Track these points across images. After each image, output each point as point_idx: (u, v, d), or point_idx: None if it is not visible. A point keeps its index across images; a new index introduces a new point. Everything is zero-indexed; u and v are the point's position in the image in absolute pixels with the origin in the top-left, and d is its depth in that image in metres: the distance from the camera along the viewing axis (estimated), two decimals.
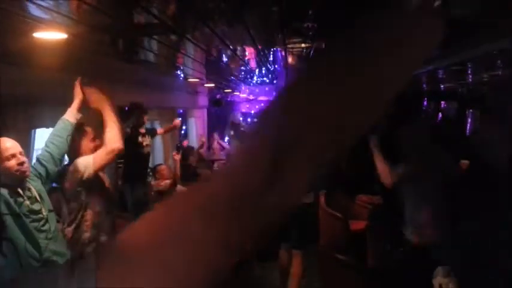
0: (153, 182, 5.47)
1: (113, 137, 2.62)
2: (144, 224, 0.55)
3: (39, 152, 2.67)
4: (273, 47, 5.22)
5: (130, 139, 4.33)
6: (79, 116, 2.64)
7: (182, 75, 7.01)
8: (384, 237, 3.70)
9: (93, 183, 2.71)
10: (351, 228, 4.63)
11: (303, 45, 4.79)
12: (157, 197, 5.17)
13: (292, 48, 5.08)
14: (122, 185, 4.95)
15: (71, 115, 2.61)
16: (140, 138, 4.97)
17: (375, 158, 3.62)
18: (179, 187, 5.28)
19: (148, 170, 5.91)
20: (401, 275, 2.94)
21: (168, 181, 5.21)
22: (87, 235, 2.65)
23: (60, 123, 2.60)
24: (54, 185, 2.68)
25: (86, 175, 2.59)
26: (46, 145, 2.58)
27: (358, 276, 3.11)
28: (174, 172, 5.12)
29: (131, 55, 3.91)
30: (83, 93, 2.64)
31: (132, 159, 4.90)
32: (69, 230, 2.63)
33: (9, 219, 2.21)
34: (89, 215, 2.67)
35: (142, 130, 5.03)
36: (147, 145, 5.05)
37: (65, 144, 2.57)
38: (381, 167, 3.57)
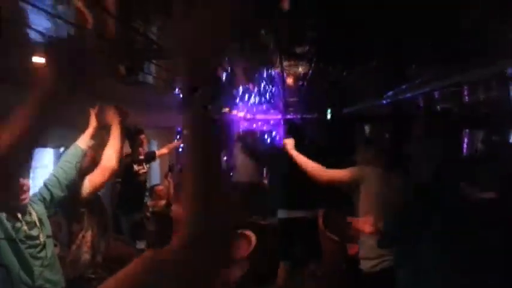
0: (149, 203, 5.44)
1: (110, 156, 2.69)
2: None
3: (38, 169, 2.68)
4: (270, 69, 5.28)
5: (125, 167, 4.29)
6: (91, 143, 2.67)
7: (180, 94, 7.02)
8: None
9: (93, 204, 2.74)
10: (349, 253, 4.56)
11: (300, 68, 4.85)
12: (153, 218, 5.13)
13: (289, 70, 5.13)
14: (117, 208, 4.88)
15: (83, 142, 2.65)
16: (136, 167, 4.92)
17: (296, 161, 3.69)
18: (174, 207, 5.24)
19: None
20: None
21: (162, 202, 5.18)
22: (87, 256, 2.63)
23: (71, 149, 2.62)
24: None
25: (82, 196, 2.62)
26: (55, 169, 2.60)
27: None
28: (168, 192, 5.08)
29: (132, 77, 3.97)
30: (97, 121, 2.67)
31: (127, 186, 4.86)
32: (69, 252, 2.60)
33: (4, 244, 2.17)
34: (89, 236, 2.66)
35: (140, 156, 4.96)
36: (143, 173, 4.99)
37: (73, 170, 2.59)
38: (308, 167, 3.61)
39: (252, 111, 13.57)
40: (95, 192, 2.74)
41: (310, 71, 5.01)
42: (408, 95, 7.41)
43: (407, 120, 10.75)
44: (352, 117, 12.39)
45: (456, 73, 5.27)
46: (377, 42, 3.72)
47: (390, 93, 7.86)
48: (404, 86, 7.06)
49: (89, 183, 2.69)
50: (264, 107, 13.59)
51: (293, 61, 4.45)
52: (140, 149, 4.94)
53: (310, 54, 3.95)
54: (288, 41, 3.56)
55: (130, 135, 4.80)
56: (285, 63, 4.59)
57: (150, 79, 4.69)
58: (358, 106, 11.18)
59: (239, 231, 4.39)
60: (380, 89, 8.14)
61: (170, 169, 5.90)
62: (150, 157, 5.36)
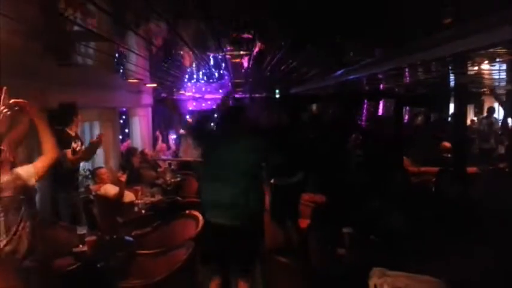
0: (92, 186, 5.29)
1: (51, 148, 2.64)
2: None
3: None
4: (211, 54, 5.25)
5: (60, 143, 4.03)
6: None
7: (124, 76, 6.84)
8: (326, 237, 3.79)
9: (33, 193, 2.67)
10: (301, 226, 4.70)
11: (242, 52, 4.85)
12: (100, 202, 5.00)
13: (231, 55, 5.12)
14: (54, 193, 4.63)
15: None
16: (73, 144, 4.66)
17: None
18: (127, 193, 5.14)
19: (88, 174, 5.69)
20: (343, 275, 3.04)
21: (108, 186, 5.05)
22: (26, 247, 2.54)
23: None
24: None
25: (30, 183, 2.56)
26: None
27: (303, 279, 3.15)
28: (120, 190, 4.91)
29: (64, 58, 3.82)
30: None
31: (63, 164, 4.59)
32: (3, 242, 2.49)
33: None
34: (29, 225, 2.56)
35: (72, 133, 4.68)
36: (79, 150, 4.72)
37: None
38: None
39: (200, 90, 13.47)
40: (39, 179, 2.68)
41: (254, 54, 5.02)
42: (352, 76, 7.62)
43: (352, 99, 11.12)
44: (300, 96, 12.62)
45: (398, 56, 5.48)
46: (319, 25, 3.78)
47: (338, 73, 8.04)
48: (349, 68, 7.25)
49: (36, 173, 2.62)
50: (213, 85, 13.55)
51: (233, 46, 4.44)
52: (75, 120, 4.68)
53: (250, 39, 3.95)
54: (227, 27, 3.54)
55: (61, 112, 4.51)
56: (227, 48, 4.57)
57: (89, 61, 4.54)
58: (305, 86, 11.39)
59: (187, 211, 4.39)
60: (324, 71, 8.30)
61: (123, 169, 5.61)
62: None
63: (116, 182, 5.07)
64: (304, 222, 4.65)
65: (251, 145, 3.44)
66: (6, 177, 2.51)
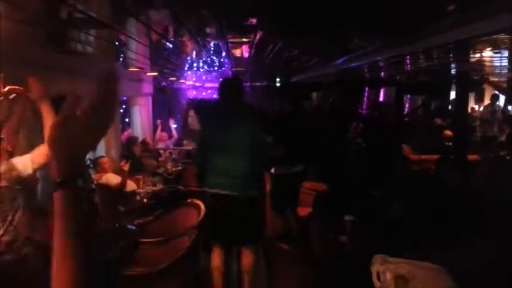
0: (93, 175, 5.30)
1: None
2: None
3: None
4: (213, 41, 5.22)
5: None
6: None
7: (124, 64, 6.80)
8: (328, 225, 3.82)
9: (32, 183, 2.65)
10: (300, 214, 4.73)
11: (243, 39, 4.81)
12: (101, 191, 5.02)
13: (233, 42, 5.09)
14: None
15: None
16: None
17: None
18: (129, 182, 5.15)
19: (89, 163, 5.70)
20: (345, 262, 3.06)
21: (109, 175, 5.05)
22: (22, 236, 2.54)
23: None
24: None
25: (25, 174, 2.51)
26: None
27: (305, 266, 3.17)
28: (123, 179, 4.92)
29: (62, 46, 3.79)
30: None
31: None
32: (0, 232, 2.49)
33: None
34: (26, 215, 2.56)
35: None
36: None
37: None
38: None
39: (201, 79, 13.42)
40: (35, 171, 2.64)
41: (255, 42, 5.00)
42: (353, 64, 7.58)
43: (352, 87, 11.09)
44: (300, 85, 12.58)
45: (399, 44, 5.45)
46: (322, 13, 3.76)
47: (339, 61, 8.01)
48: (350, 56, 7.22)
49: (32, 164, 2.56)
50: (214, 74, 13.50)
51: (236, 33, 4.41)
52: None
53: (253, 26, 3.93)
54: (230, 14, 3.51)
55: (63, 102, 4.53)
56: (229, 35, 4.54)
57: (89, 49, 4.51)
58: (305, 74, 11.34)
59: (189, 200, 4.40)
60: (326, 59, 8.26)
61: (126, 159, 5.62)
62: None
63: (117, 171, 5.08)
64: (305, 210, 4.68)
65: (251, 116, 3.47)
66: (2, 167, 2.50)
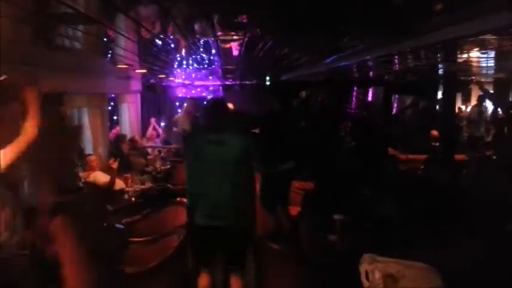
0: (81, 173, 5.24)
1: (28, 129, 2.43)
2: None
3: None
4: (203, 38, 5.18)
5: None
6: None
7: (112, 61, 6.74)
8: (317, 224, 3.83)
9: (11, 181, 2.56)
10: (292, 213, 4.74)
11: (234, 37, 4.80)
12: (86, 188, 4.97)
13: (224, 39, 5.07)
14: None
15: None
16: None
17: None
18: (118, 181, 5.10)
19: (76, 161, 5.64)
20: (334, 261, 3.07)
21: (97, 173, 5.00)
22: (5, 235, 2.48)
23: None
24: None
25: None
26: None
27: (295, 265, 3.18)
28: (112, 177, 4.86)
29: (49, 41, 3.74)
30: None
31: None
32: None
33: None
34: (7, 216, 2.50)
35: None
36: None
37: None
38: None
39: (190, 77, 13.35)
40: (7, 167, 2.52)
41: (245, 40, 4.98)
42: (342, 63, 7.61)
43: (341, 86, 11.14)
44: (290, 83, 12.60)
45: (388, 44, 5.48)
46: (312, 13, 3.76)
47: (329, 60, 8.03)
48: (340, 55, 7.24)
49: (3, 158, 2.43)
50: (203, 72, 13.45)
51: (227, 30, 4.39)
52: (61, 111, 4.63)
53: (244, 24, 3.91)
54: (222, 11, 3.49)
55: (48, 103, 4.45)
56: (220, 33, 4.52)
57: (77, 45, 4.46)
58: (295, 73, 11.35)
59: (177, 198, 4.38)
60: (315, 57, 8.28)
61: (114, 157, 5.56)
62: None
63: (105, 169, 5.03)
64: (295, 210, 4.68)
65: (235, 140, 3.28)
66: None
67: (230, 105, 4.67)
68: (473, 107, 10.36)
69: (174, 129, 9.52)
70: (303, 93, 12.26)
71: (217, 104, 3.62)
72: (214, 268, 3.39)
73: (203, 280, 3.31)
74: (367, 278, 2.41)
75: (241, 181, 3.27)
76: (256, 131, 4.99)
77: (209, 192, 3.22)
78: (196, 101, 10.21)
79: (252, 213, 3.38)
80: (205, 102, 3.70)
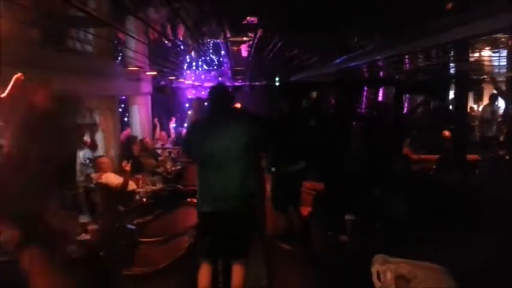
0: (93, 175, 5.29)
1: None
2: None
3: None
4: (213, 40, 5.20)
5: None
6: None
7: (123, 63, 6.80)
8: (327, 224, 3.82)
9: None
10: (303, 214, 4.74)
11: (244, 38, 4.81)
12: (101, 190, 5.01)
13: (234, 41, 5.08)
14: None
15: None
16: None
17: None
18: (131, 183, 5.13)
19: (88, 162, 5.71)
20: (345, 262, 3.05)
21: (109, 174, 5.04)
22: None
23: None
24: None
25: None
26: None
27: (305, 266, 3.17)
28: (125, 179, 4.89)
29: (61, 44, 3.78)
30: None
31: None
32: None
33: None
34: None
35: None
36: None
37: None
38: None
39: (200, 78, 13.42)
40: None
41: (255, 41, 4.98)
42: (352, 63, 7.58)
43: (352, 86, 11.10)
44: (300, 84, 12.59)
45: (398, 43, 5.45)
46: (321, 13, 3.75)
47: (339, 60, 8.00)
48: (350, 55, 7.21)
49: None
50: (213, 73, 13.50)
51: (237, 32, 4.39)
52: None
53: (254, 25, 3.92)
54: (232, 13, 3.49)
55: None
56: (229, 34, 4.53)
57: (88, 48, 4.51)
58: (305, 74, 11.34)
59: (188, 199, 4.39)
60: (325, 58, 8.26)
61: (127, 159, 5.60)
62: None
63: (116, 170, 5.07)
64: (305, 210, 4.68)
65: (240, 129, 3.25)
66: None
67: (238, 106, 4.66)
68: (486, 106, 10.25)
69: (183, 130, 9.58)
70: (313, 94, 12.24)
71: (219, 90, 3.57)
72: (216, 259, 3.36)
73: (204, 270, 3.29)
74: (378, 278, 2.40)
75: (246, 167, 3.26)
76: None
77: (213, 179, 3.24)
78: (202, 101, 10.24)
79: (257, 199, 3.42)
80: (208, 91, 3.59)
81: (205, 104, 4.44)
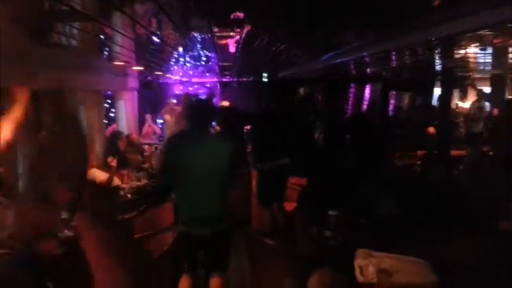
0: None
1: (5, 126, 2.42)
2: None
3: None
4: (200, 34, 5.17)
5: None
6: None
7: (109, 58, 6.73)
8: (312, 219, 3.84)
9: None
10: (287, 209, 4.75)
11: (231, 33, 4.79)
12: (88, 187, 4.96)
13: (221, 36, 5.06)
14: None
15: None
16: None
17: None
18: (115, 179, 5.08)
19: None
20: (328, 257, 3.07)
21: (95, 170, 4.99)
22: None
23: None
24: None
25: None
26: None
27: (289, 261, 3.18)
28: (110, 175, 4.84)
29: (45, 39, 3.73)
30: None
31: None
32: None
33: None
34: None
35: None
36: None
37: None
38: None
39: (187, 74, 13.34)
40: None
41: (243, 37, 4.97)
42: (339, 60, 7.61)
43: (338, 83, 11.15)
44: (287, 80, 12.59)
45: (385, 40, 5.49)
46: (309, 7, 3.75)
47: (326, 56, 8.03)
48: (337, 52, 7.24)
49: None
50: (200, 69, 13.43)
51: (223, 27, 4.37)
52: None
53: (241, 20, 3.90)
54: (218, 8, 3.47)
55: None
56: (216, 29, 4.51)
57: (74, 42, 4.44)
58: (292, 70, 11.35)
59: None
60: (313, 54, 8.28)
61: (113, 155, 5.55)
62: None
63: (101, 166, 5.02)
64: (290, 205, 4.69)
65: (219, 147, 3.21)
66: None
67: (226, 103, 4.66)
68: (473, 102, 10.35)
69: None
70: (300, 90, 12.26)
71: (201, 105, 3.52)
72: (195, 270, 3.29)
73: (184, 282, 3.23)
74: (361, 273, 2.42)
75: (223, 185, 3.20)
76: (249, 127, 5.00)
77: (191, 196, 3.16)
78: (191, 96, 10.18)
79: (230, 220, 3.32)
80: (192, 101, 3.45)
81: (185, 115, 4.19)
